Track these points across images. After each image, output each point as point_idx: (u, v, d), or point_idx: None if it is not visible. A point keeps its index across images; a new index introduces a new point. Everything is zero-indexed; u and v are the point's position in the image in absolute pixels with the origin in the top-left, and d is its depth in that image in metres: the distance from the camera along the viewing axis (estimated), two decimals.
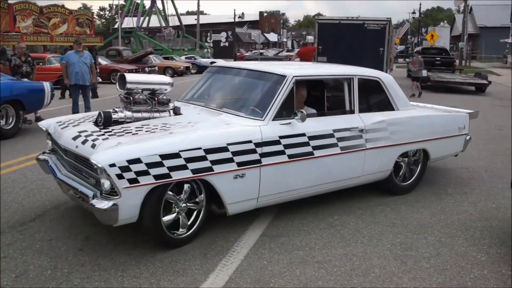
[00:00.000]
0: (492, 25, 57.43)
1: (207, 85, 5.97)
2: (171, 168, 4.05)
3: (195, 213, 4.50)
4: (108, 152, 3.94)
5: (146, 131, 4.42)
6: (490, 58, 53.37)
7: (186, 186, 4.31)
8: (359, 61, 16.24)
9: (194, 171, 4.17)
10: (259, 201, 4.73)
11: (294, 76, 4.96)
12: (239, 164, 4.41)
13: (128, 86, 4.85)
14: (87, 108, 11.52)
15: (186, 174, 4.14)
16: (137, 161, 3.88)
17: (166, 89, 5.13)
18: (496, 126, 10.98)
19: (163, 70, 29.49)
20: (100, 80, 17.89)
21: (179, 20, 53.62)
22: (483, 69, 34.00)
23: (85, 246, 4.35)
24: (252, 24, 79.05)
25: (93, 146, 4.13)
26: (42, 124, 5.33)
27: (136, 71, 24.77)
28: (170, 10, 60.52)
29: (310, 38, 18.48)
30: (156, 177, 3.98)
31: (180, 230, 4.39)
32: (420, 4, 59.57)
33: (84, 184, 4.25)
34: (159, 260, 4.12)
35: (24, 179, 6.36)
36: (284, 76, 4.95)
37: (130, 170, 3.85)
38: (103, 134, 4.36)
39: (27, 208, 5.30)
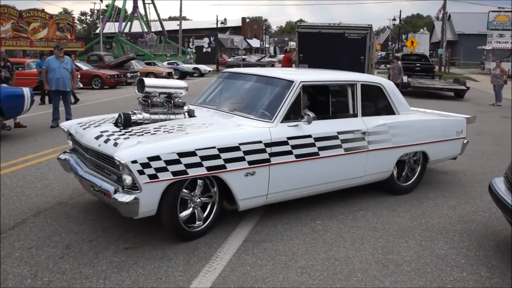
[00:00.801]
0: (470, 32, 58.32)
1: (219, 89, 6.28)
2: (188, 165, 4.35)
3: (209, 206, 4.79)
4: (130, 149, 4.23)
5: (164, 131, 4.74)
6: (468, 64, 54.16)
7: (199, 181, 4.59)
8: (340, 68, 16.40)
9: (208, 168, 4.47)
10: (268, 198, 5.02)
11: (301, 82, 5.29)
12: (250, 162, 4.71)
13: (147, 89, 5.14)
14: (68, 114, 11.42)
15: (201, 171, 4.44)
16: (157, 158, 4.19)
17: (181, 93, 5.46)
18: (474, 131, 11.14)
19: (145, 76, 29.26)
20: (81, 85, 17.78)
21: (161, 26, 53.46)
22: (461, 75, 34.54)
23: (66, 254, 4.31)
24: (235, 30, 79.18)
25: (115, 144, 4.41)
26: (64, 125, 5.67)
27: (118, 76, 24.68)
28: (152, 15, 60.52)
29: (292, 44, 18.61)
30: (174, 173, 4.28)
31: (197, 223, 4.68)
32: (401, 11, 60.33)
33: (106, 180, 4.52)
34: (141, 267, 4.09)
35: (3, 187, 6.27)
36: (292, 82, 5.28)
37: (150, 167, 4.15)
38: (124, 134, 4.65)
39: (6, 216, 5.22)
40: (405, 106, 6.40)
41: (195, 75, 36.53)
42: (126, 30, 52.79)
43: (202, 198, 4.70)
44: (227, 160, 4.56)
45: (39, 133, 10.30)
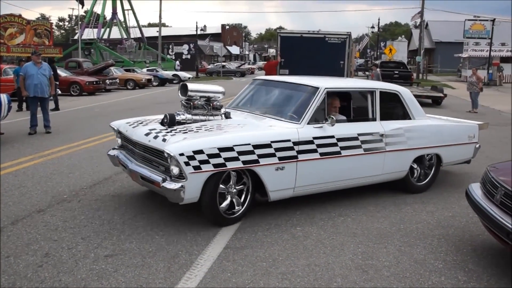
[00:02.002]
0: (447, 40, 59.35)
1: (251, 95, 6.86)
2: (227, 159, 4.95)
3: (243, 194, 5.36)
4: (178, 144, 4.86)
5: (205, 130, 5.39)
6: (445, 71, 55.04)
7: (233, 173, 5.16)
8: (320, 73, 16.54)
9: (244, 162, 5.07)
10: (295, 190, 5.60)
11: (325, 88, 5.89)
12: (280, 158, 5.30)
13: (190, 93, 5.78)
14: (46, 121, 11.29)
15: (238, 165, 5.04)
16: (200, 152, 4.80)
17: (219, 97, 6.05)
18: None
19: (124, 83, 29.17)
20: (59, 92, 17.57)
21: (141, 32, 53.22)
22: (439, 83, 35.07)
23: (45, 263, 4.25)
24: (214, 37, 79.17)
25: (164, 140, 5.04)
26: (114, 124, 6.29)
27: (97, 83, 24.45)
28: (131, 21, 60.07)
29: (272, 51, 18.71)
30: (215, 165, 4.89)
31: (236, 208, 5.29)
32: (379, 19, 61.23)
33: (154, 171, 5.14)
34: (121, 274, 4.06)
35: None
36: (318, 88, 5.89)
37: (195, 159, 4.77)
38: (170, 132, 5.29)
39: None
40: (421, 112, 6.90)
41: (174, 82, 36.39)
42: (105, 36, 52.39)
43: (237, 187, 5.27)
44: (260, 156, 5.16)
45: (17, 140, 10.15)
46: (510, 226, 3.85)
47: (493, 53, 39.77)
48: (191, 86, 5.82)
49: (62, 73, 24.03)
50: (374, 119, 6.32)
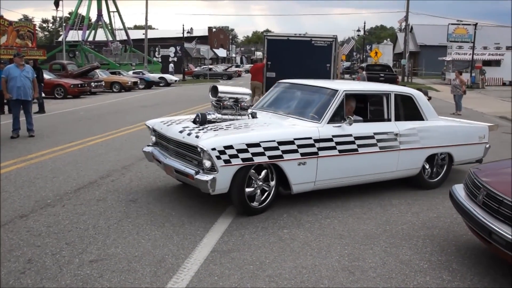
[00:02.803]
0: (431, 44, 59.96)
1: (275, 97, 7.31)
2: (254, 154, 5.42)
3: (266, 193, 5.80)
4: (210, 140, 5.34)
5: (234, 128, 5.89)
6: (430, 74, 55.57)
7: (263, 171, 5.65)
8: (307, 76, 16.57)
9: (269, 157, 5.54)
10: (316, 184, 6.04)
11: (344, 91, 6.36)
12: (302, 154, 5.77)
13: (220, 95, 6.27)
14: (29, 124, 11.18)
15: (264, 159, 5.51)
16: (230, 147, 5.28)
17: (246, 98, 6.59)
18: None
19: (110, 85, 28.99)
20: (43, 95, 17.41)
21: (127, 34, 52.93)
22: (424, 85, 35.38)
23: (28, 269, 4.20)
24: (201, 40, 78.99)
25: (197, 136, 5.53)
26: (149, 123, 6.82)
27: (82, 86, 24.28)
28: (117, 24, 59.62)
29: (258, 54, 18.77)
30: (243, 159, 5.37)
31: (254, 203, 5.70)
32: (365, 23, 61.63)
33: (187, 165, 5.63)
34: (107, 280, 4.03)
35: None
36: (337, 90, 6.35)
37: (225, 154, 5.24)
38: (202, 129, 5.78)
39: None
40: (433, 113, 7.30)
41: (161, 84, 36.27)
42: (90, 38, 52.05)
43: (263, 184, 5.72)
44: (284, 152, 5.62)
45: None
46: (492, 226, 3.90)
47: (475, 56, 40.26)
48: (221, 88, 6.32)
49: (46, 75, 23.79)
50: (389, 120, 6.75)
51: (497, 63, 43.85)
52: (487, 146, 7.76)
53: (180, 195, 6.53)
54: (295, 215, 5.80)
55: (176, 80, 39.09)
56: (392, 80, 27.14)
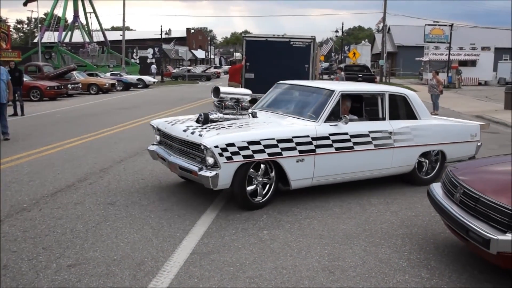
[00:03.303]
0: (409, 44, 60.62)
1: (274, 97, 7.56)
2: (254, 151, 5.70)
3: (267, 186, 6.07)
4: (213, 138, 5.62)
5: (235, 127, 6.15)
6: (407, 75, 56.15)
7: (262, 166, 5.89)
8: (285, 77, 16.65)
9: (269, 154, 5.81)
10: (313, 180, 6.29)
11: (340, 91, 6.64)
12: (300, 152, 6.03)
13: (221, 95, 6.57)
14: (4, 128, 10.99)
15: (264, 156, 5.79)
16: (232, 145, 5.57)
17: (247, 99, 6.85)
18: None
19: (87, 87, 28.66)
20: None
21: (104, 36, 52.33)
22: (401, 85, 35.67)
23: (3, 275, 4.11)
24: (179, 41, 78.62)
25: (200, 135, 5.80)
26: (153, 122, 7.09)
27: (58, 88, 23.95)
28: (94, 25, 58.98)
29: (237, 55, 18.75)
30: (244, 156, 5.64)
31: (258, 198, 5.99)
32: (343, 23, 62.05)
33: (190, 162, 5.92)
34: (85, 284, 3.98)
35: None
36: (333, 91, 6.63)
37: (228, 151, 5.54)
38: (205, 128, 6.07)
39: None
40: (426, 112, 7.56)
41: (139, 86, 35.97)
42: (67, 39, 51.27)
43: (263, 178, 5.99)
44: (283, 149, 5.89)
45: None
46: (469, 224, 3.95)
47: (452, 57, 40.85)
48: (222, 89, 6.61)
49: None
50: (383, 119, 7.01)
51: (472, 63, 44.56)
52: (479, 144, 8.01)
53: (159, 197, 6.48)
54: (275, 216, 5.80)
55: (154, 82, 38.82)
56: (370, 81, 27.40)
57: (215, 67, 72.01)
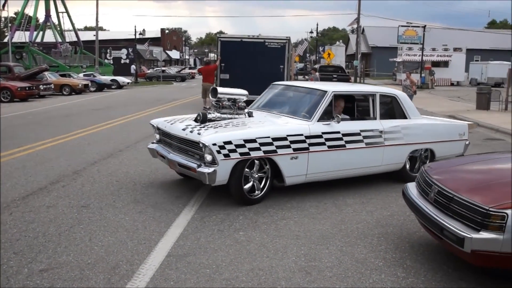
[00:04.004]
0: (382, 45, 61.42)
1: (269, 98, 7.82)
2: (250, 149, 5.94)
3: (263, 180, 6.30)
4: (211, 136, 5.87)
5: (232, 125, 6.42)
6: (381, 75, 56.82)
7: (256, 162, 6.13)
8: (261, 78, 16.67)
9: (264, 152, 6.06)
10: (307, 177, 6.54)
11: (333, 91, 6.90)
12: (294, 149, 6.28)
13: (219, 96, 6.87)
14: None
15: (259, 154, 6.03)
16: (229, 143, 5.81)
17: (243, 99, 7.12)
18: None
19: (59, 88, 28.20)
20: None
21: (77, 36, 51.58)
22: (376, 86, 36.10)
23: None
24: (154, 41, 77.87)
25: (199, 133, 6.04)
26: (153, 122, 7.30)
27: (30, 88, 23.51)
28: (66, 25, 58.01)
29: (212, 56, 18.75)
30: (241, 154, 5.89)
31: (256, 192, 6.24)
32: (317, 24, 62.41)
33: (189, 160, 6.16)
34: None
35: None
36: (326, 91, 6.87)
37: (225, 148, 5.77)
38: (204, 127, 6.31)
39: None
40: (416, 112, 7.84)
41: (113, 87, 35.54)
42: (38, 39, 50.44)
43: (258, 173, 6.22)
44: (278, 147, 6.14)
45: None
46: (443, 222, 3.99)
47: (425, 57, 41.49)
48: (220, 89, 6.94)
49: None
50: (374, 118, 7.24)
51: (445, 64, 45.33)
52: (467, 143, 8.21)
53: (134, 199, 6.40)
54: (251, 217, 5.78)
55: (128, 83, 38.40)
56: (345, 81, 27.60)
57: (190, 68, 71.64)
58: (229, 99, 7.00)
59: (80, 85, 29.38)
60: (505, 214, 3.61)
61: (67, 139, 11.30)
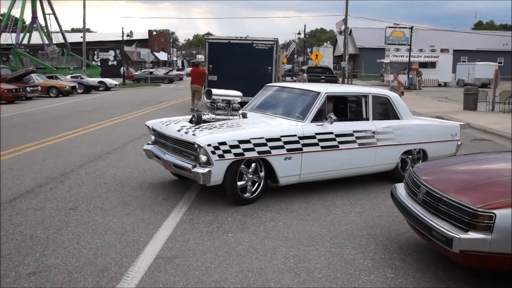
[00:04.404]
0: (370, 46, 61.80)
1: (263, 99, 7.89)
2: (245, 150, 6.02)
3: (256, 184, 6.37)
4: (206, 137, 5.94)
5: (227, 127, 6.48)
6: (369, 76, 57.13)
7: (253, 164, 6.23)
8: (249, 79, 16.69)
9: (259, 152, 6.13)
10: (300, 177, 6.62)
11: (326, 93, 6.96)
12: (288, 150, 6.36)
13: (213, 97, 6.98)
14: None
15: (253, 154, 6.11)
16: (224, 143, 5.88)
17: (237, 100, 7.23)
18: None
19: (46, 90, 27.99)
20: None
21: (64, 38, 51.26)
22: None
23: None
24: (141, 43, 77.65)
25: (194, 134, 6.10)
26: (148, 123, 7.36)
27: (16, 90, 23.32)
28: (53, 26, 57.34)
29: (200, 57, 18.74)
30: (235, 154, 5.96)
31: (247, 194, 6.27)
32: (305, 26, 62.59)
33: (184, 160, 6.22)
34: None
35: None
36: (319, 93, 6.94)
37: (220, 149, 5.84)
38: (198, 128, 6.39)
39: None
40: (408, 113, 7.92)
41: (100, 89, 35.32)
42: (25, 41, 50.06)
43: (253, 176, 6.28)
44: (272, 148, 6.22)
45: None
46: (431, 223, 4.02)
47: (412, 58, 41.78)
48: (215, 91, 7.03)
49: None
50: (367, 119, 7.33)
51: (432, 65, 45.66)
52: (459, 143, 8.30)
53: (122, 202, 6.37)
54: (239, 218, 5.78)
55: (116, 84, 38.20)
56: (333, 82, 27.69)
57: (178, 69, 71.44)
58: (223, 101, 7.09)
59: (67, 87, 29.18)
60: (493, 214, 3.64)
61: (55, 141, 11.21)
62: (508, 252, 3.65)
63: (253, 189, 6.34)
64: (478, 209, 3.70)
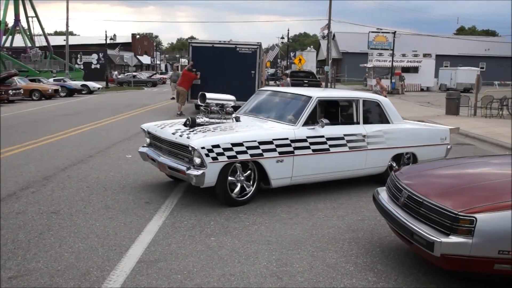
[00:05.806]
0: (353, 51, 62.27)
1: (256, 103, 8.02)
2: (238, 152, 6.17)
3: (249, 186, 6.50)
4: (200, 140, 6.09)
5: (220, 130, 6.63)
6: (352, 81, 57.56)
7: (246, 167, 6.39)
8: (232, 83, 16.71)
9: (251, 155, 6.28)
10: (292, 179, 6.76)
11: (317, 97, 7.08)
12: (280, 153, 6.50)
13: (207, 101, 7.20)
14: None
15: (246, 157, 6.25)
16: (217, 146, 6.03)
17: (231, 104, 7.44)
18: None
19: (29, 93, 27.69)
20: None
21: (46, 40, 50.75)
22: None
23: None
24: (125, 46, 77.11)
25: (188, 137, 6.25)
26: (144, 126, 7.51)
27: None
28: (36, 29, 56.67)
29: (184, 61, 18.75)
30: (228, 157, 6.11)
31: (240, 195, 6.41)
32: (288, 30, 62.72)
33: (178, 162, 6.36)
34: None
35: None
36: (311, 97, 7.08)
37: (213, 152, 5.99)
38: (193, 131, 6.55)
39: None
40: (398, 117, 8.05)
41: (83, 92, 35.03)
42: (7, 44, 49.40)
43: (245, 182, 6.41)
44: (264, 150, 6.35)
45: None
46: (413, 227, 4.06)
47: (395, 63, 42.20)
48: (209, 95, 7.22)
49: None
50: (358, 123, 7.47)
51: (415, 69, 46.19)
52: (449, 147, 8.40)
53: (105, 205, 6.33)
54: (222, 222, 5.78)
55: (99, 88, 37.90)
56: (316, 86, 27.86)
57: (161, 73, 71.11)
58: (217, 105, 7.26)
59: (50, 90, 28.90)
60: (473, 218, 3.68)
61: (37, 144, 11.09)
62: (489, 256, 3.70)
63: (245, 191, 6.45)
64: (459, 213, 3.74)
